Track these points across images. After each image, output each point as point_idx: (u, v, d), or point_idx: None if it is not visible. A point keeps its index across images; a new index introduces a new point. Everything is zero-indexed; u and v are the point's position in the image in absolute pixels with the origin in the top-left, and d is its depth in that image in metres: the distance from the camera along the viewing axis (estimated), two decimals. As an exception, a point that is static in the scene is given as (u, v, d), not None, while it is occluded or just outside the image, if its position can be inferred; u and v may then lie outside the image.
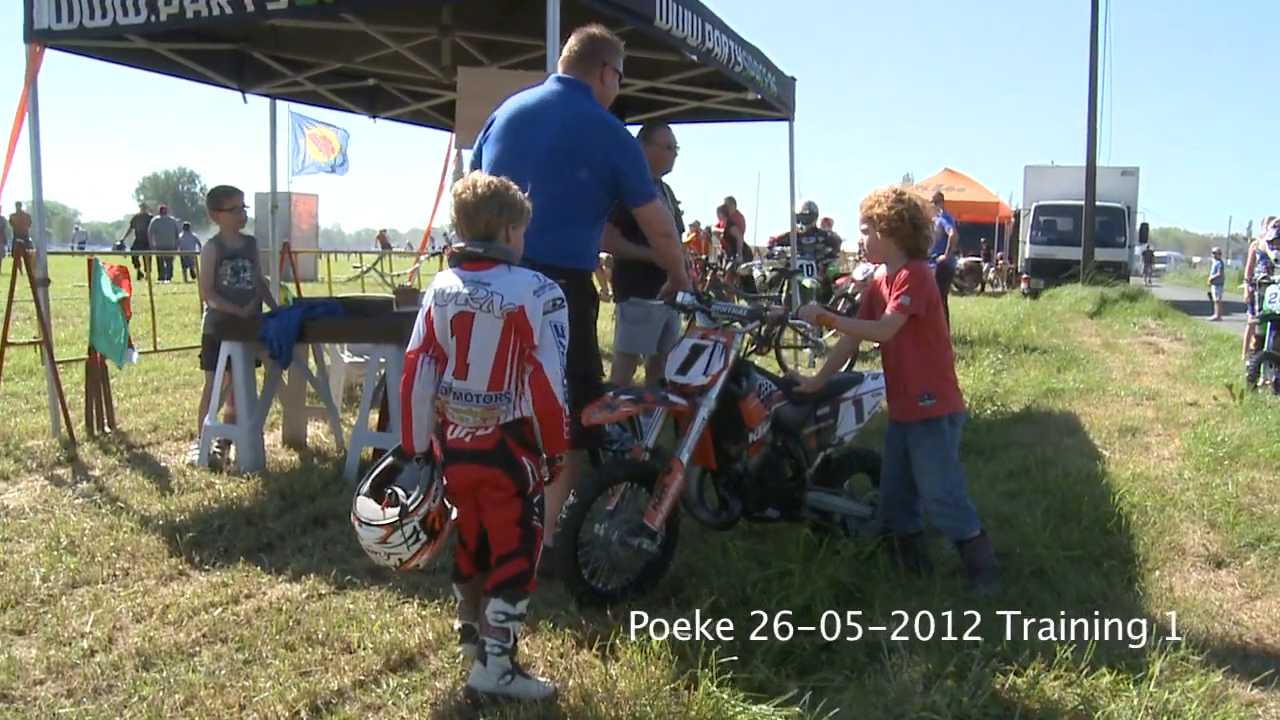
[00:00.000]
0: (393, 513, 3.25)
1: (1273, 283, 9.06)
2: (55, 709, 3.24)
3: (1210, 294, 23.38)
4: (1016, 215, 29.48)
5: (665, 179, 6.32)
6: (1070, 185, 25.13)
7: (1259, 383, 8.77)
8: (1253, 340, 9.81)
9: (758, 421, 4.30)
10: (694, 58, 6.92)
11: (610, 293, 16.01)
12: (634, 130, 6.43)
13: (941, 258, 13.58)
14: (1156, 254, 44.73)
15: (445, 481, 3.34)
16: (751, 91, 8.55)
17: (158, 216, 28.77)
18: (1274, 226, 9.41)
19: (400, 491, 3.32)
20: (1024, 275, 25.82)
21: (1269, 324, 9.06)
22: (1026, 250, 26.16)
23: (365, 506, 3.33)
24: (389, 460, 3.42)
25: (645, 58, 7.86)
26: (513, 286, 3.19)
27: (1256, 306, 9.77)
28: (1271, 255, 9.37)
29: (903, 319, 4.14)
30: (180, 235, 28.52)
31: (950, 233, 14.15)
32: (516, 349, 3.21)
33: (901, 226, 4.20)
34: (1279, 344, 8.89)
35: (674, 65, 8.14)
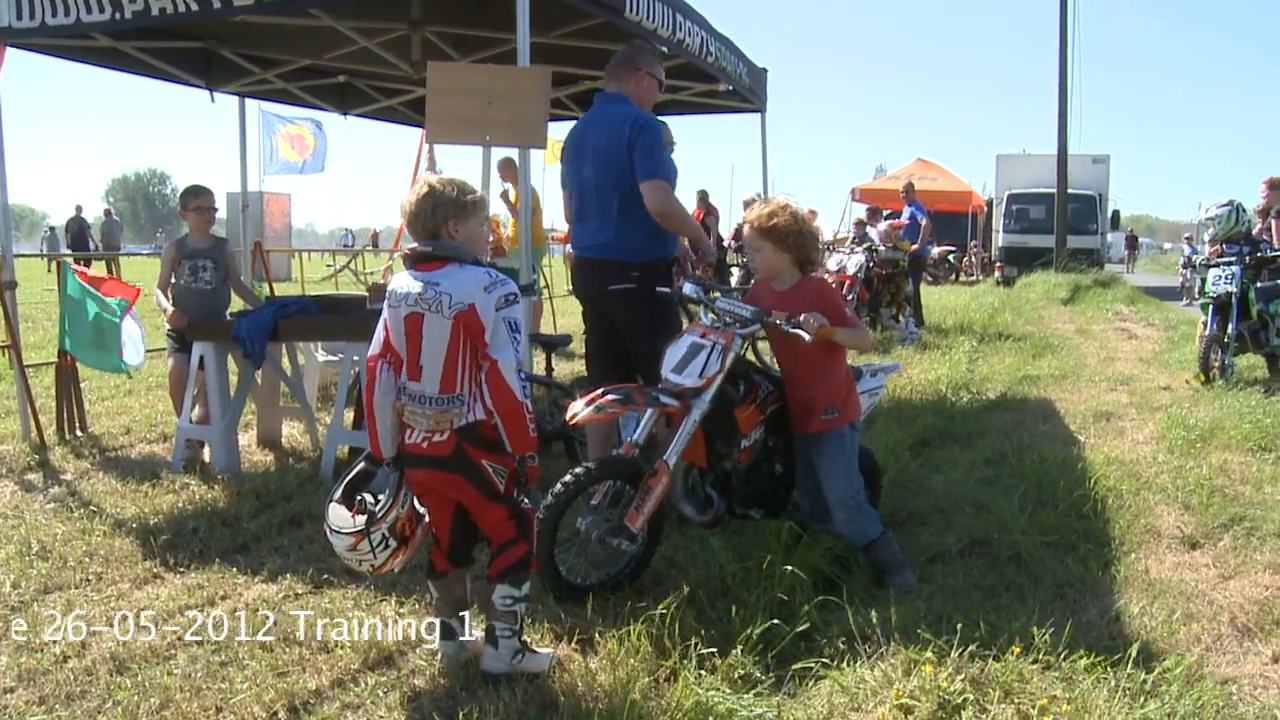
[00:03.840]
0: (361, 520, 3.25)
1: (1215, 265, 8.87)
2: (27, 717, 3.20)
3: (1182, 279, 23.54)
4: (989, 204, 29.60)
5: None
6: (1042, 173, 25.27)
7: (1211, 366, 8.53)
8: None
9: (751, 428, 4.20)
10: (665, 49, 6.89)
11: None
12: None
13: (914, 247, 13.66)
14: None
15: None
16: (723, 83, 8.52)
17: (104, 218, 29.06)
18: (1214, 206, 9.26)
19: (370, 498, 3.32)
20: (998, 263, 25.97)
21: (1211, 307, 8.79)
22: (1000, 238, 26.30)
23: (336, 514, 3.34)
24: (361, 466, 3.42)
25: (616, 50, 7.83)
26: (462, 284, 3.16)
27: (1196, 290, 9.55)
28: (1206, 235, 9.24)
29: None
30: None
31: (924, 222, 14.23)
32: (468, 350, 3.18)
33: (801, 240, 4.09)
34: (1223, 327, 8.66)
35: (645, 57, 8.11)
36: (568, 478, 3.91)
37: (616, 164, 4.75)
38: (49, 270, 28.25)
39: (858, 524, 4.15)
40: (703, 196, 17.66)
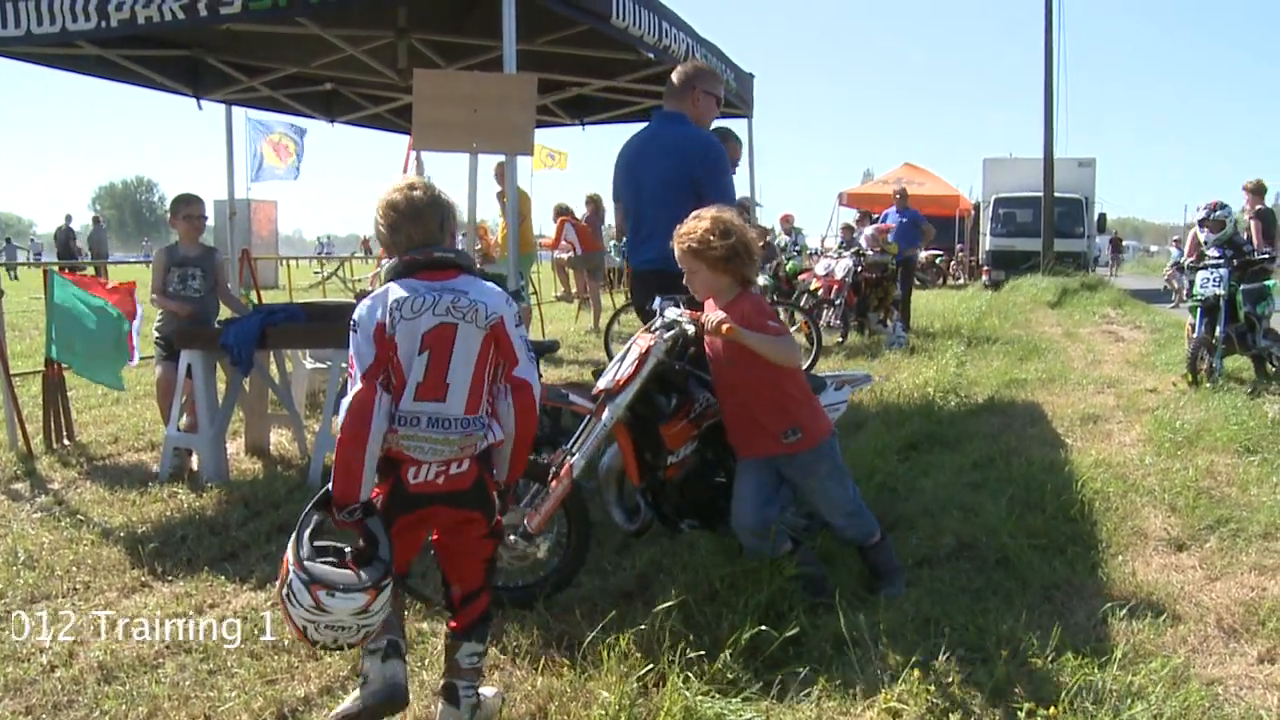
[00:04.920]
0: (372, 573, 2.71)
1: (1203, 268, 8.97)
2: (14, 727, 3.19)
3: (1169, 282, 23.65)
4: (976, 208, 29.72)
5: None
6: (1028, 177, 25.40)
7: (1199, 368, 8.61)
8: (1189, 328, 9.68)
9: (680, 444, 4.01)
10: (651, 55, 6.91)
11: (572, 290, 16.05)
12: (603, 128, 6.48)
13: (917, 250, 13.83)
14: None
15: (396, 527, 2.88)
16: (710, 89, 8.53)
17: (91, 226, 29.23)
18: (1204, 208, 9.34)
19: (344, 547, 2.81)
20: (985, 267, 26.07)
21: (1199, 310, 8.90)
22: (987, 243, 26.41)
23: (328, 574, 2.71)
24: (315, 518, 2.87)
25: (602, 57, 7.86)
26: (490, 295, 2.90)
27: (1185, 292, 9.67)
28: (1201, 236, 9.32)
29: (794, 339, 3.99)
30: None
31: (925, 226, 14.43)
32: (493, 365, 2.94)
33: (737, 262, 3.78)
34: (1211, 329, 8.77)
35: (631, 64, 8.13)
36: None
37: (676, 181, 4.91)
38: (7, 278, 28.25)
39: (861, 527, 4.08)
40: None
